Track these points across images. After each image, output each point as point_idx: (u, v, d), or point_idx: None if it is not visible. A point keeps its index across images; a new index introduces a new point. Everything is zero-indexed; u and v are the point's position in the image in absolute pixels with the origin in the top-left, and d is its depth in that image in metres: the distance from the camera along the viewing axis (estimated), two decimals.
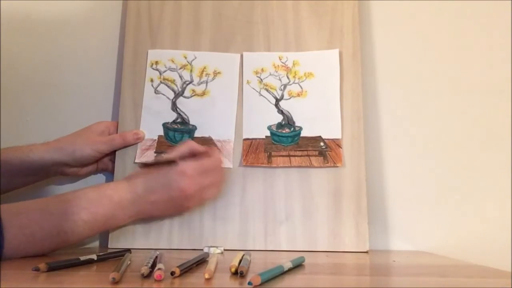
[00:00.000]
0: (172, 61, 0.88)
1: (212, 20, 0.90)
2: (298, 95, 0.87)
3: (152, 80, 0.88)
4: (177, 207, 0.76)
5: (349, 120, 0.85)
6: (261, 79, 0.88)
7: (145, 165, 0.74)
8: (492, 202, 0.88)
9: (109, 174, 0.86)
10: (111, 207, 0.70)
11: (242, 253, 0.60)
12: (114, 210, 0.70)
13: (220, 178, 0.78)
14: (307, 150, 0.84)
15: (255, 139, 0.85)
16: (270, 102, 0.87)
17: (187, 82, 0.88)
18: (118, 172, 0.83)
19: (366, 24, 0.92)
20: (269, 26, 0.90)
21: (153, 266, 0.54)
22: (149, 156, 0.84)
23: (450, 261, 0.74)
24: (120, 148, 0.84)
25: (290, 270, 0.56)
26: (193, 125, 0.86)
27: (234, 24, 0.90)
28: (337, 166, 0.82)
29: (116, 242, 0.80)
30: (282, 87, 0.87)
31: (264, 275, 0.48)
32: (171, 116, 0.86)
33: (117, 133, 0.85)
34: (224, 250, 0.76)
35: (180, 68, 0.88)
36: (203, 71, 0.88)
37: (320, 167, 0.83)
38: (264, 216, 0.81)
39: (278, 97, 0.87)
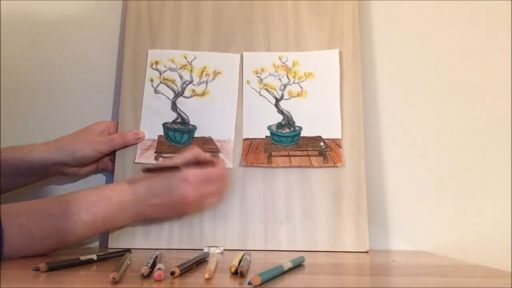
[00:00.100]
0: (172, 61, 0.88)
1: (212, 20, 0.90)
2: (298, 95, 0.87)
3: (152, 80, 0.88)
4: (177, 212, 0.77)
5: (349, 120, 0.85)
6: (261, 79, 0.88)
7: (148, 170, 0.74)
8: (492, 202, 0.88)
9: (109, 174, 0.86)
10: (111, 208, 0.70)
11: (242, 253, 0.60)
12: (114, 211, 0.70)
13: (223, 188, 0.78)
14: (307, 150, 0.84)
15: (255, 139, 0.85)
16: (270, 102, 0.87)
17: (187, 82, 0.88)
18: (118, 172, 0.83)
19: (366, 24, 0.92)
20: (269, 26, 0.90)
21: (153, 266, 0.54)
22: (149, 156, 0.84)
23: (450, 261, 0.74)
24: (120, 148, 0.84)
25: (290, 270, 0.56)
26: (193, 125, 0.86)
27: (234, 24, 0.90)
28: (337, 166, 0.82)
29: (116, 242, 0.80)
30: (282, 87, 0.87)
31: (264, 275, 0.48)
32: (171, 116, 0.86)
33: (117, 133, 0.85)
34: (224, 250, 0.76)
35: (180, 68, 0.88)
36: (203, 71, 0.88)
37: (320, 167, 0.83)
38: (264, 216, 0.81)
39: (278, 97, 0.87)
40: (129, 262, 0.57)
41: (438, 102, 0.90)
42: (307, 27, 0.89)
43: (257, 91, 0.87)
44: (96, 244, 0.85)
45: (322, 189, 0.82)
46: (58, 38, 0.93)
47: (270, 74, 0.88)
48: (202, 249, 0.77)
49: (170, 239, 0.80)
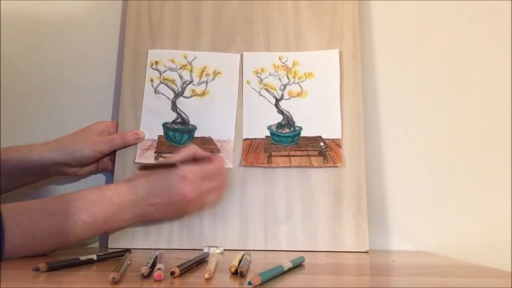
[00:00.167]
0: (172, 61, 0.88)
1: (212, 20, 0.90)
2: (298, 95, 0.87)
3: (152, 80, 0.88)
4: (177, 211, 0.77)
5: (349, 120, 0.85)
6: (261, 79, 0.88)
7: (145, 168, 0.74)
8: (492, 202, 0.88)
9: (109, 174, 0.86)
10: (111, 208, 0.70)
11: (242, 253, 0.60)
12: (114, 211, 0.70)
13: (221, 184, 0.78)
14: (307, 150, 0.84)
15: (255, 139, 0.85)
16: (270, 102, 0.87)
17: (187, 82, 0.88)
18: (118, 172, 0.83)
19: (366, 24, 0.92)
20: (269, 26, 0.90)
21: (153, 266, 0.54)
22: (149, 156, 0.84)
23: (450, 261, 0.74)
24: (120, 148, 0.84)
25: (290, 270, 0.56)
26: (193, 125, 0.86)
27: (234, 24, 0.90)
28: (337, 166, 0.83)
29: (116, 242, 0.80)
30: (282, 87, 0.87)
31: (264, 275, 0.48)
32: (171, 116, 0.86)
33: (117, 133, 0.85)
34: (224, 250, 0.76)
35: (180, 68, 0.88)
36: (203, 71, 0.88)
37: (320, 167, 0.83)
38: (264, 216, 0.81)
39: (278, 97, 0.87)
40: (129, 262, 0.57)
41: (438, 102, 0.90)
42: (307, 27, 0.89)
43: (257, 91, 0.87)
44: (96, 244, 0.85)
45: (322, 189, 0.82)
46: (58, 38, 0.93)
47: (270, 74, 0.88)
48: (202, 249, 0.77)
49: (170, 239, 0.80)
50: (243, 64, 0.88)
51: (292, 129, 0.85)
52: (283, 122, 0.86)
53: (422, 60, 0.92)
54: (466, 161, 0.89)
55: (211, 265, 0.53)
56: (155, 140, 0.85)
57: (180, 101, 0.87)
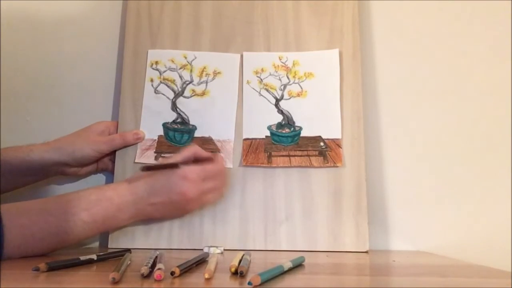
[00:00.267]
0: (172, 61, 0.88)
1: (212, 20, 0.90)
2: (298, 95, 0.87)
3: (152, 80, 0.88)
4: (177, 211, 0.77)
5: (349, 120, 0.85)
6: (261, 79, 0.88)
7: (147, 168, 0.74)
8: (492, 202, 0.88)
9: (109, 174, 0.86)
10: (111, 208, 0.70)
11: (242, 253, 0.60)
12: (114, 211, 0.70)
13: (222, 184, 0.78)
14: (307, 150, 0.84)
15: (255, 139, 0.85)
16: (270, 102, 0.87)
17: (187, 82, 0.88)
18: (118, 172, 0.83)
19: (366, 24, 0.92)
20: (269, 26, 0.90)
21: (153, 266, 0.54)
22: (149, 156, 0.84)
23: (450, 261, 0.74)
24: (120, 148, 0.84)
25: (290, 270, 0.56)
26: (193, 125, 0.86)
27: (234, 24, 0.90)
28: (337, 166, 0.83)
29: (116, 242, 0.80)
30: (282, 87, 0.87)
31: (264, 275, 0.48)
32: (171, 116, 0.86)
33: (117, 133, 0.85)
34: (224, 250, 0.76)
35: (180, 68, 0.88)
36: (203, 71, 0.88)
37: (320, 167, 0.83)
38: (264, 216, 0.81)
39: (278, 97, 0.87)
40: (129, 262, 0.57)
41: (438, 102, 0.90)
42: (307, 27, 0.89)
43: (257, 91, 0.87)
44: (96, 244, 0.85)
45: (322, 189, 0.82)
46: (58, 38, 0.93)
47: (270, 74, 0.88)
48: (202, 249, 0.77)
49: (170, 239, 0.80)
50: (243, 64, 0.88)
51: (292, 129, 0.85)
52: (283, 122, 0.86)
53: (422, 60, 0.92)
54: (466, 161, 0.89)
55: (211, 265, 0.53)
56: (155, 140, 0.85)
57: (180, 101, 0.87)
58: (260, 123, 0.86)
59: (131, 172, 0.82)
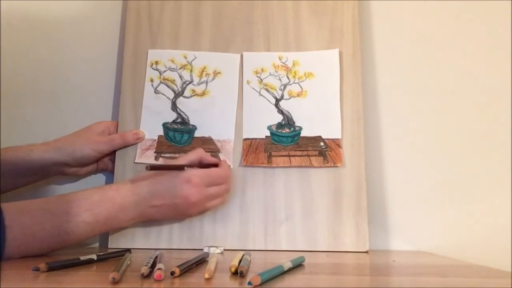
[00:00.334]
0: (172, 61, 0.88)
1: (212, 20, 0.90)
2: (298, 95, 0.87)
3: (152, 80, 0.88)
4: (179, 214, 0.76)
5: (349, 120, 0.85)
6: (261, 79, 0.88)
7: (152, 168, 0.74)
8: (492, 202, 0.88)
9: (109, 174, 0.86)
10: (113, 209, 0.70)
11: (242, 253, 0.60)
12: (116, 212, 0.70)
13: (226, 190, 0.78)
14: (307, 150, 0.84)
15: (255, 139, 0.85)
16: (270, 102, 0.87)
17: (187, 82, 0.88)
18: (118, 172, 0.83)
19: (366, 24, 0.92)
20: (269, 26, 0.90)
21: (153, 266, 0.54)
22: (149, 156, 0.84)
23: (450, 261, 0.74)
24: (120, 148, 0.84)
25: (290, 270, 0.56)
26: (193, 125, 0.86)
27: (234, 24, 0.90)
28: (337, 166, 0.83)
29: (116, 242, 0.80)
30: (282, 87, 0.87)
31: (264, 275, 0.48)
32: (171, 116, 0.86)
33: (117, 133, 0.85)
34: (224, 250, 0.76)
35: (180, 68, 0.88)
36: (203, 71, 0.88)
37: (320, 167, 0.83)
38: (264, 216, 0.81)
39: (278, 97, 0.87)
40: (129, 262, 0.57)
41: (438, 102, 0.90)
42: (307, 27, 0.89)
43: (257, 91, 0.87)
44: (96, 244, 0.85)
45: (322, 189, 0.82)
46: (58, 38, 0.93)
47: (270, 74, 0.88)
48: (202, 249, 0.77)
49: (170, 239, 0.80)
50: (243, 64, 0.88)
51: (292, 129, 0.85)
52: (283, 122, 0.86)
53: (422, 60, 0.92)
54: (466, 161, 0.89)
55: (211, 265, 0.53)
56: (155, 140, 0.85)
57: (180, 101, 0.87)
58: (260, 123, 0.86)
59: (131, 172, 0.82)
